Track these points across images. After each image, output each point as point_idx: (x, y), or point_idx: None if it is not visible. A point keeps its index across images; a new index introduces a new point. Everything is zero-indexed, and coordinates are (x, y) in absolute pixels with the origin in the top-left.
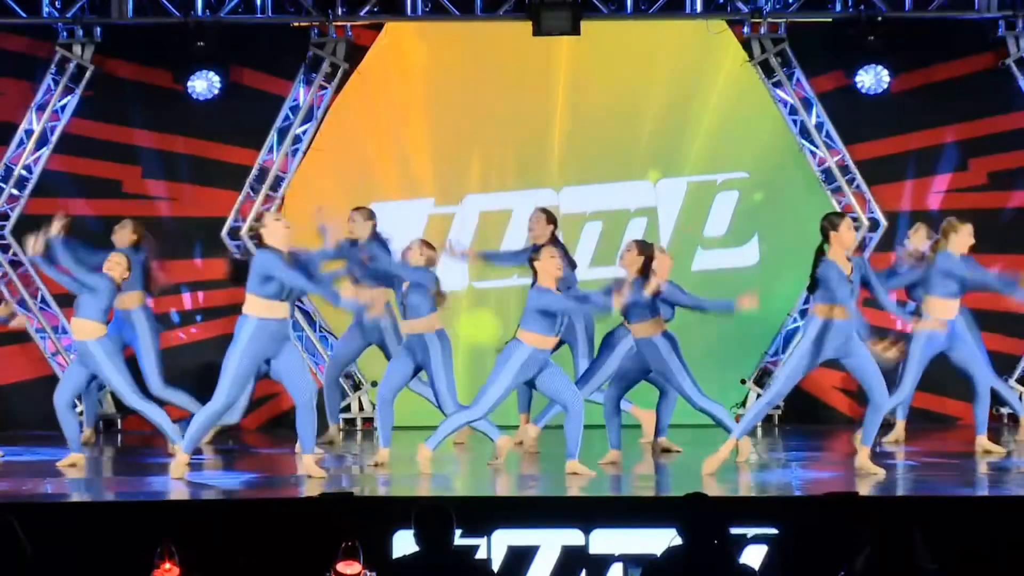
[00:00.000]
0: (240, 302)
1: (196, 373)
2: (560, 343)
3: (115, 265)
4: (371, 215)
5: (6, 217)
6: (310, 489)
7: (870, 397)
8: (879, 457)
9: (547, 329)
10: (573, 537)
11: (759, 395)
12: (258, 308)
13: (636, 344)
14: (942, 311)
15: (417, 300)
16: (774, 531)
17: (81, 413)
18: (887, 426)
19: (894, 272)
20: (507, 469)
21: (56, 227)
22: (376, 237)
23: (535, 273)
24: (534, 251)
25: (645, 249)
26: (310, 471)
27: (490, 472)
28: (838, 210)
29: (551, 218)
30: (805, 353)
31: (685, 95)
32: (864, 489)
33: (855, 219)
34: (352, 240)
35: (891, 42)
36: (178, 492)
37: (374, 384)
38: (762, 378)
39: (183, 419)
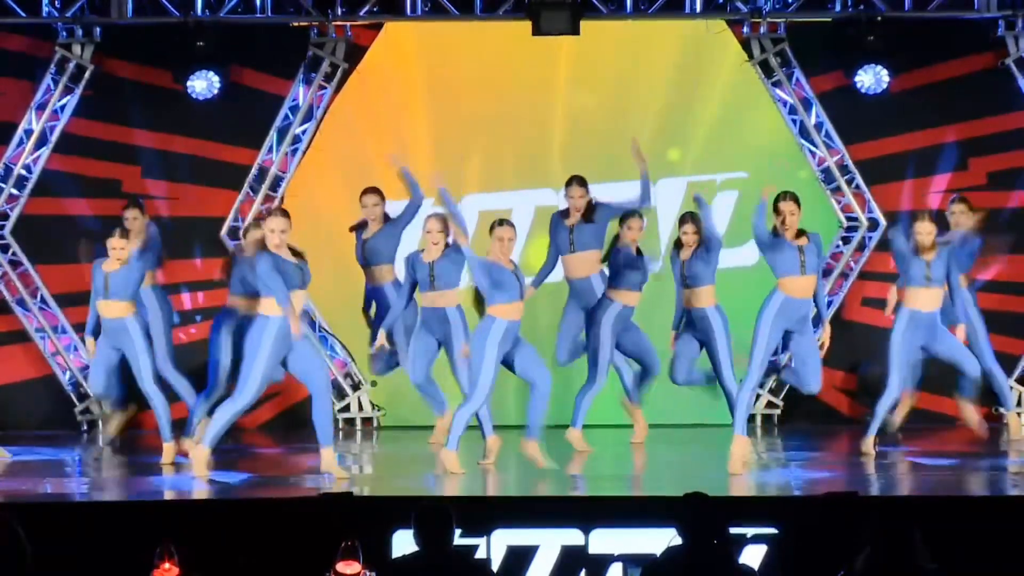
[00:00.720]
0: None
1: (196, 373)
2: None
3: (121, 252)
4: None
5: (5, 217)
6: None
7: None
8: (877, 457)
9: (507, 298)
10: (573, 537)
11: (758, 396)
12: (271, 307)
13: (691, 314)
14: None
15: (452, 273)
16: (774, 531)
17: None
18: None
19: None
20: (504, 469)
21: None
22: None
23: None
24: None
25: (696, 220)
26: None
27: (490, 472)
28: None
29: None
30: (761, 325)
31: (685, 95)
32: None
33: (854, 219)
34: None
35: (891, 42)
36: (178, 492)
37: (374, 384)
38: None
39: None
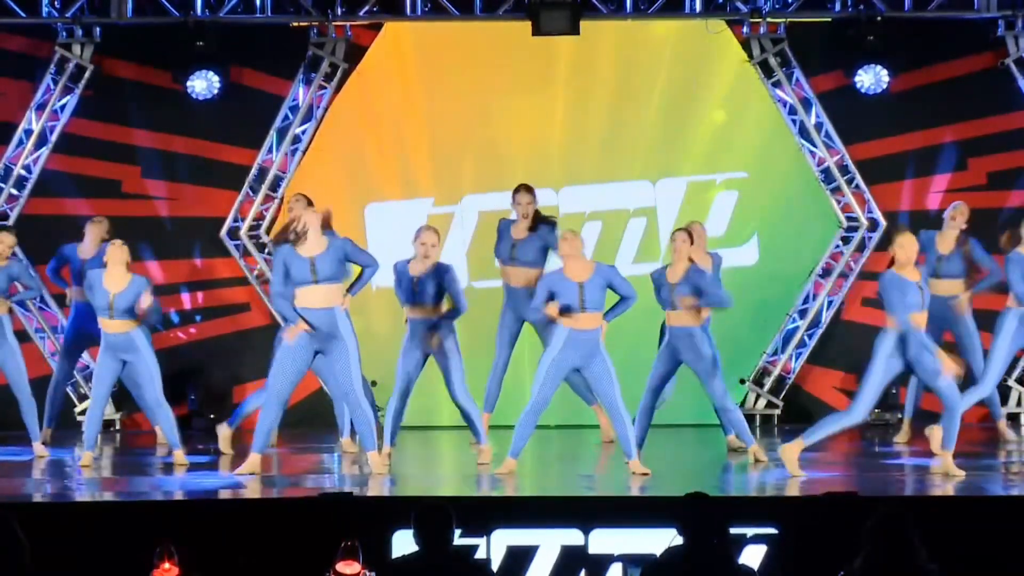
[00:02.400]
0: (237, 303)
1: (195, 373)
2: None
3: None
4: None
5: (5, 217)
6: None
7: None
8: (878, 457)
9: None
10: (572, 537)
11: (758, 396)
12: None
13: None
14: None
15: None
16: (774, 531)
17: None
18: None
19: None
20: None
21: None
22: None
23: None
24: None
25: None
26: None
27: (489, 472)
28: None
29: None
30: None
31: (685, 95)
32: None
33: (854, 219)
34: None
35: (891, 42)
36: (178, 492)
37: (374, 384)
38: (762, 378)
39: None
